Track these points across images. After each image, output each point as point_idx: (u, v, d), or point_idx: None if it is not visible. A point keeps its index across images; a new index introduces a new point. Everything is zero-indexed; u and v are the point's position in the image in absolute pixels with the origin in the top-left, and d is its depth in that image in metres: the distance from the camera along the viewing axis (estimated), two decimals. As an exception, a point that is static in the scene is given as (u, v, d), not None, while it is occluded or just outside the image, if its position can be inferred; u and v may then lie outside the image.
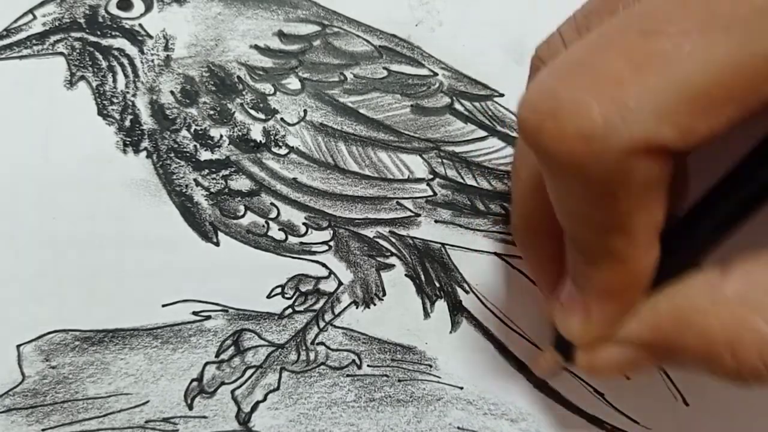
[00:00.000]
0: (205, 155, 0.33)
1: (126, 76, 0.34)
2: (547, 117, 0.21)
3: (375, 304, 0.33)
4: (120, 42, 0.34)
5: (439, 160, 0.34)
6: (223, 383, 0.32)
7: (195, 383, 0.32)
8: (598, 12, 0.26)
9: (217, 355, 0.33)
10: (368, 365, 0.33)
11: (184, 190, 0.33)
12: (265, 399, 0.32)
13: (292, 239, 0.33)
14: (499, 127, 0.34)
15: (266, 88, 0.34)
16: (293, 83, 0.34)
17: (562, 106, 0.20)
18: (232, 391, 0.32)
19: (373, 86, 0.34)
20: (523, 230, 0.30)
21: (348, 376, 0.33)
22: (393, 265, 0.34)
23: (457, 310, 0.34)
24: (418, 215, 0.34)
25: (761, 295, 0.22)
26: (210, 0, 0.34)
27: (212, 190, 0.33)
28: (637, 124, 0.20)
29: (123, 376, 0.32)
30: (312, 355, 0.33)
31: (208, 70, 0.34)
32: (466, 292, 0.34)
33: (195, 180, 0.33)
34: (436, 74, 0.35)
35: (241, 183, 0.33)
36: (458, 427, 0.33)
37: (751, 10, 0.19)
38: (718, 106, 0.20)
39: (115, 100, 0.34)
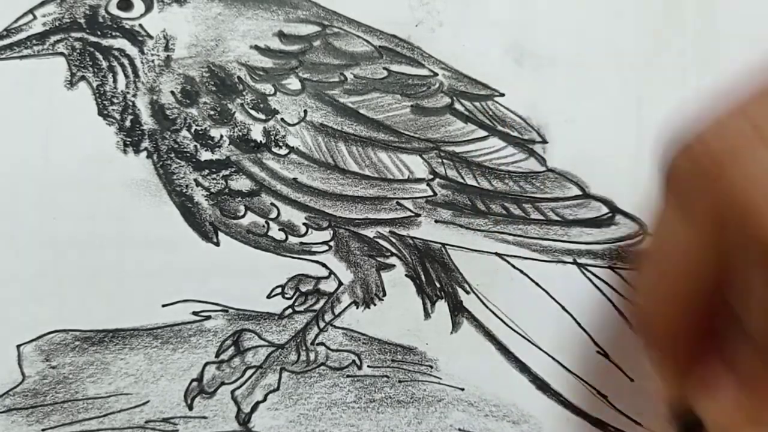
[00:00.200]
0: (205, 155, 0.33)
1: (126, 76, 0.34)
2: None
3: (375, 305, 0.33)
4: (120, 42, 0.34)
5: (439, 160, 0.34)
6: (223, 383, 0.32)
7: (195, 383, 0.32)
8: None
9: (217, 356, 0.33)
10: (368, 366, 0.33)
11: (184, 191, 0.33)
12: (265, 399, 0.32)
13: (293, 239, 0.33)
14: (499, 127, 0.34)
15: (266, 88, 0.34)
16: (293, 83, 0.34)
17: None
18: (232, 392, 0.32)
19: (373, 86, 0.34)
20: (665, 333, 0.26)
21: (348, 376, 0.33)
22: (393, 266, 0.33)
23: (457, 310, 0.33)
24: (419, 215, 0.34)
25: None
26: (210, 0, 0.34)
27: (212, 190, 0.33)
28: None
29: (123, 376, 0.32)
30: (312, 356, 0.33)
31: (208, 70, 0.34)
32: (467, 293, 0.34)
33: (195, 180, 0.33)
34: (436, 74, 0.35)
35: (242, 183, 0.33)
36: (459, 429, 0.33)
37: None
38: None
39: (115, 101, 0.34)
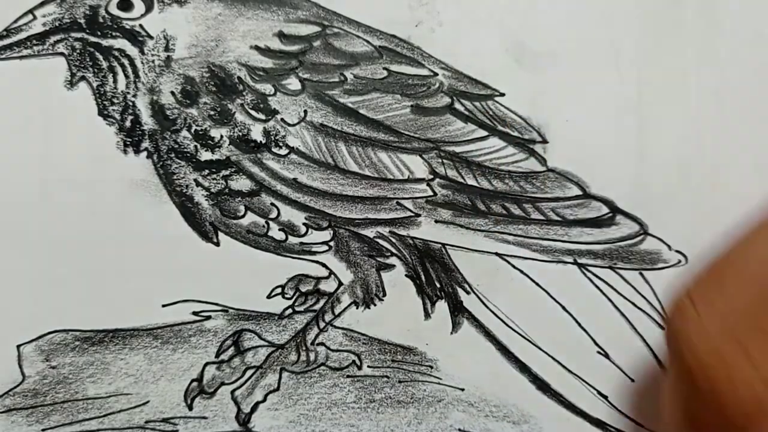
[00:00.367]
0: (205, 155, 0.33)
1: (126, 76, 0.34)
2: None
3: (375, 305, 0.33)
4: (120, 42, 0.34)
5: (439, 160, 0.34)
6: (223, 384, 0.32)
7: (195, 383, 0.32)
8: None
9: (217, 356, 0.33)
10: (368, 366, 0.33)
11: (184, 191, 0.33)
12: (265, 399, 0.32)
13: (293, 239, 0.33)
14: (499, 127, 0.34)
15: (266, 88, 0.34)
16: (293, 84, 0.34)
17: None
18: (232, 392, 0.32)
19: (373, 86, 0.34)
20: None
21: (348, 376, 0.33)
22: (393, 266, 0.33)
23: (457, 310, 0.33)
24: (418, 215, 0.34)
25: None
26: (210, 1, 0.34)
27: (212, 190, 0.33)
28: None
29: (123, 377, 0.32)
30: (312, 356, 0.33)
31: (208, 70, 0.34)
32: (467, 293, 0.33)
33: (195, 180, 0.33)
34: (436, 74, 0.35)
35: (242, 183, 0.33)
36: (459, 429, 0.33)
37: None
38: None
39: (115, 101, 0.34)
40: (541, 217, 0.34)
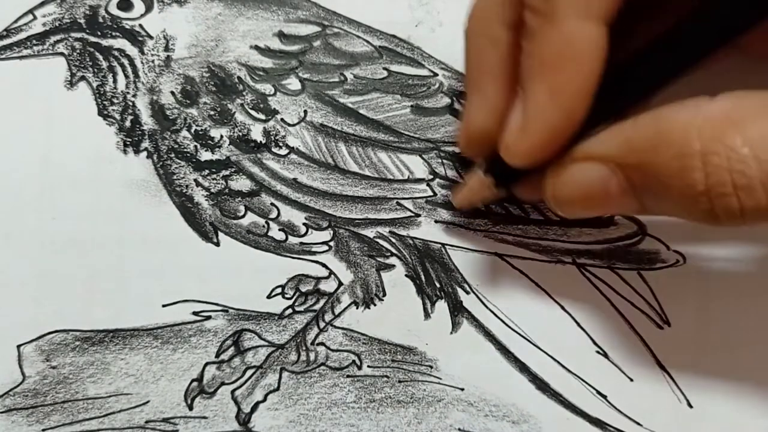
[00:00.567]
0: (205, 155, 0.33)
1: (126, 76, 0.34)
2: None
3: (375, 305, 0.33)
4: (120, 42, 0.34)
5: (439, 161, 0.34)
6: (223, 383, 0.32)
7: (195, 383, 0.32)
8: None
9: (217, 356, 0.33)
10: (368, 366, 0.33)
11: (184, 191, 0.33)
12: (265, 399, 0.32)
13: (293, 239, 0.33)
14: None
15: (266, 88, 0.34)
16: (293, 84, 0.34)
17: None
18: (232, 392, 0.32)
19: (373, 87, 0.34)
20: (479, 15, 0.29)
21: (348, 376, 0.33)
22: (393, 266, 0.33)
23: (457, 310, 0.33)
24: (418, 215, 0.34)
25: (745, 117, 0.22)
26: (210, 0, 0.34)
27: (212, 190, 0.33)
28: None
29: (123, 377, 0.32)
30: (312, 356, 0.33)
31: (208, 70, 0.34)
32: (467, 293, 0.34)
33: (195, 180, 0.33)
34: (436, 74, 0.35)
35: (242, 183, 0.33)
36: (459, 429, 0.33)
37: None
38: None
39: (115, 101, 0.34)
40: (540, 218, 0.34)
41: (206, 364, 0.33)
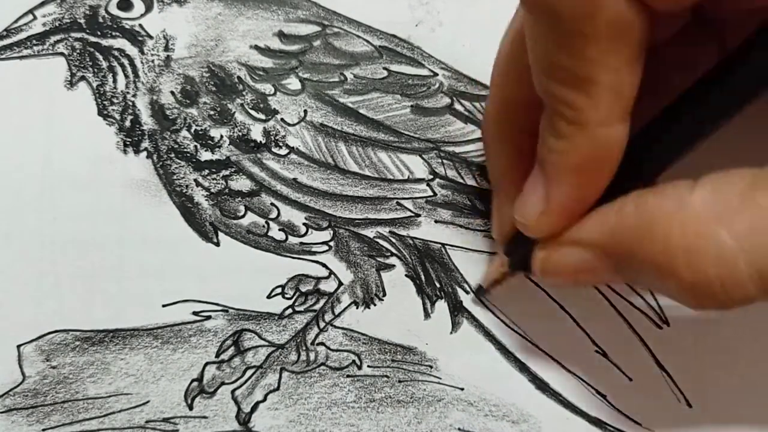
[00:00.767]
0: (205, 155, 0.33)
1: (126, 76, 0.34)
2: None
3: (375, 305, 0.33)
4: (120, 42, 0.34)
5: (439, 161, 0.34)
6: (223, 383, 0.32)
7: (195, 383, 0.32)
8: None
9: (217, 355, 0.33)
10: (368, 366, 0.33)
11: (184, 191, 0.33)
12: (265, 399, 0.32)
13: (293, 239, 0.33)
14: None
15: (266, 88, 0.34)
16: (293, 83, 0.34)
17: None
18: (233, 392, 0.32)
19: (373, 86, 0.34)
20: (495, 118, 0.29)
21: (348, 376, 0.33)
22: (393, 266, 0.33)
23: (457, 310, 0.33)
24: (418, 215, 0.34)
25: (728, 210, 0.22)
26: (210, 0, 0.34)
27: (212, 190, 0.33)
28: None
29: (123, 376, 0.32)
30: (312, 356, 0.33)
31: (208, 70, 0.34)
32: (467, 293, 0.34)
33: (195, 180, 0.33)
34: (436, 74, 0.35)
35: (242, 183, 0.33)
36: (459, 429, 0.33)
37: None
38: None
39: (115, 101, 0.34)
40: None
41: (206, 364, 0.33)
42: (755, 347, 0.33)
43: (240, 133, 0.33)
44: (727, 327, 0.33)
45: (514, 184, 0.28)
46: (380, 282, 0.33)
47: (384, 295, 0.33)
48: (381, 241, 0.33)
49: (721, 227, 0.22)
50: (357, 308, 0.33)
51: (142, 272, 0.33)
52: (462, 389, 0.33)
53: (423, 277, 0.33)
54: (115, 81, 0.34)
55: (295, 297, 0.33)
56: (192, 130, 0.33)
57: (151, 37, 0.34)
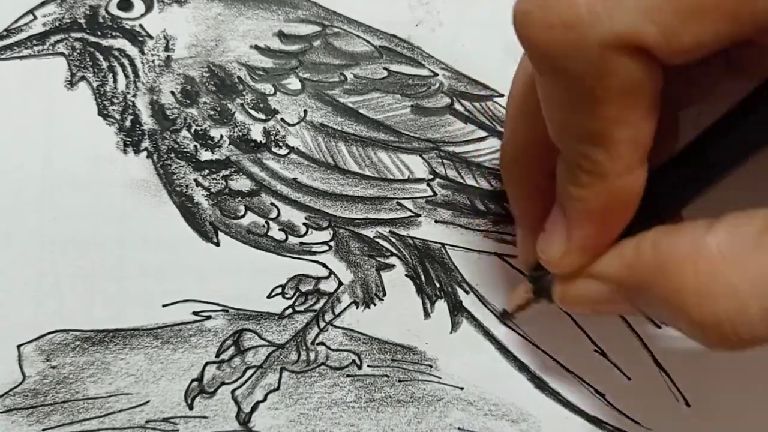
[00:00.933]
0: (205, 155, 0.33)
1: (126, 76, 0.34)
2: (535, 7, 0.21)
3: (375, 304, 0.33)
4: (120, 42, 0.34)
5: (439, 161, 0.34)
6: (223, 383, 0.33)
7: (195, 383, 0.32)
8: None
9: (217, 355, 0.33)
10: (368, 365, 0.33)
11: (184, 190, 0.33)
12: (265, 399, 0.32)
13: (293, 239, 0.33)
14: (499, 127, 0.34)
15: (266, 88, 0.34)
16: (293, 83, 0.34)
17: None
18: (233, 391, 0.32)
19: (373, 86, 0.34)
20: (513, 158, 0.30)
21: (348, 376, 0.33)
22: (393, 265, 0.34)
23: (457, 310, 0.33)
24: (418, 215, 0.34)
25: (741, 252, 0.22)
26: (210, 0, 0.34)
27: (212, 190, 0.33)
28: (620, 16, 0.20)
29: (123, 376, 0.32)
30: (312, 355, 0.33)
31: (208, 70, 0.34)
32: (466, 292, 0.34)
33: (195, 180, 0.33)
34: (436, 74, 0.35)
35: (242, 183, 0.33)
36: (459, 428, 0.33)
37: None
38: (706, 13, 0.20)
39: (115, 101, 0.34)
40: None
41: (206, 363, 0.33)
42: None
43: (240, 133, 0.33)
44: (726, 327, 0.33)
45: (536, 219, 0.28)
46: (380, 282, 0.33)
47: (384, 295, 0.33)
48: (381, 241, 0.33)
49: (733, 270, 0.22)
50: (357, 308, 0.33)
51: (142, 272, 0.33)
52: (462, 389, 0.33)
53: (423, 277, 0.34)
54: (115, 81, 0.34)
55: (295, 297, 0.33)
56: (192, 130, 0.33)
57: (151, 37, 0.34)
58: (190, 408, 0.32)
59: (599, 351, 0.33)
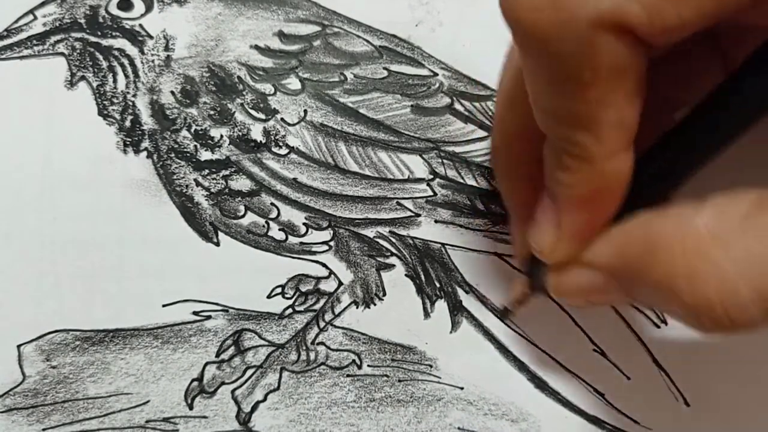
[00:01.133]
0: (205, 155, 0.33)
1: (126, 76, 0.34)
2: None
3: (375, 304, 0.33)
4: (120, 42, 0.34)
5: (439, 160, 0.34)
6: (223, 383, 0.33)
7: (195, 383, 0.32)
8: None
9: (217, 355, 0.33)
10: (368, 365, 0.33)
11: (184, 190, 0.33)
12: (265, 399, 0.32)
13: (293, 239, 0.33)
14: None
15: (266, 88, 0.34)
16: (293, 83, 0.34)
17: None
18: (233, 391, 0.32)
19: (373, 86, 0.34)
20: (502, 150, 0.30)
21: (348, 376, 0.33)
22: (393, 265, 0.34)
23: (457, 310, 0.34)
24: (418, 215, 0.34)
25: (729, 232, 0.22)
26: (210, 0, 0.34)
27: (212, 190, 0.33)
28: None
29: (123, 376, 0.32)
30: (312, 355, 0.33)
31: (208, 70, 0.34)
32: (466, 292, 0.34)
33: (195, 180, 0.33)
34: (436, 74, 0.35)
35: (242, 183, 0.33)
36: (459, 428, 0.33)
37: None
38: None
39: (115, 101, 0.34)
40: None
41: (206, 363, 0.33)
42: (753, 346, 0.34)
43: (240, 133, 0.33)
44: (725, 326, 0.33)
45: (528, 210, 0.28)
46: (380, 282, 0.33)
47: (384, 294, 0.33)
48: (381, 241, 0.34)
49: (721, 250, 0.22)
50: (357, 308, 0.33)
51: (142, 272, 0.33)
52: (461, 388, 0.33)
53: (423, 276, 0.34)
54: (115, 81, 0.34)
55: (295, 297, 0.33)
56: (192, 130, 0.33)
57: (151, 37, 0.34)
58: (190, 408, 0.32)
59: (599, 351, 0.33)
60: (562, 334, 0.33)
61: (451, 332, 0.33)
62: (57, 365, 0.32)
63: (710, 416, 0.33)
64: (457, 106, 0.34)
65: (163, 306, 0.33)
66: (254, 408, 0.32)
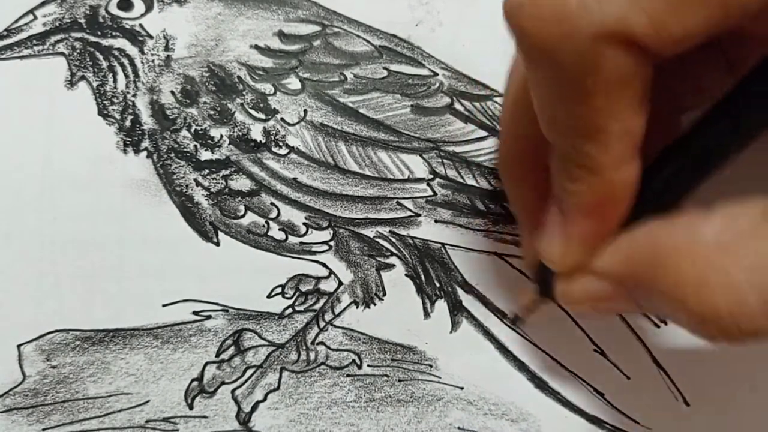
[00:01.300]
0: (205, 155, 0.33)
1: (126, 76, 0.34)
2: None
3: (375, 304, 0.33)
4: (120, 42, 0.34)
5: (439, 160, 0.34)
6: (223, 383, 0.33)
7: (195, 383, 0.32)
8: None
9: (217, 355, 0.33)
10: (368, 365, 0.33)
11: (184, 190, 0.33)
12: (265, 399, 0.32)
13: (293, 239, 0.33)
14: (499, 127, 0.34)
15: (266, 88, 0.34)
16: (293, 83, 0.34)
17: None
18: (233, 391, 0.32)
19: (373, 86, 0.34)
20: (509, 157, 0.30)
21: (348, 376, 0.33)
22: (393, 265, 0.34)
23: (457, 309, 0.34)
24: (418, 215, 0.34)
25: (738, 241, 0.22)
26: (210, 0, 0.34)
27: (212, 190, 0.33)
28: (609, 7, 0.20)
29: (123, 376, 0.32)
30: (312, 355, 0.33)
31: (208, 70, 0.34)
32: (466, 292, 0.34)
33: (195, 180, 0.33)
34: (436, 74, 0.35)
35: (242, 183, 0.33)
36: (459, 428, 0.33)
37: None
38: (695, 3, 0.20)
39: (115, 100, 0.34)
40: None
41: (206, 363, 0.33)
42: (753, 346, 0.33)
43: (240, 133, 0.33)
44: (725, 326, 0.33)
45: (536, 217, 0.28)
46: (380, 282, 0.33)
47: (384, 294, 0.33)
48: (381, 241, 0.34)
49: (730, 259, 0.22)
50: (357, 308, 0.33)
51: (142, 272, 0.33)
52: (461, 388, 0.33)
53: (423, 276, 0.34)
54: (115, 81, 0.34)
55: (295, 297, 0.33)
56: (192, 130, 0.33)
57: (151, 37, 0.34)
58: (190, 408, 0.32)
59: (599, 350, 0.33)
60: (562, 334, 0.33)
61: (451, 332, 0.33)
62: (57, 365, 0.32)
63: (710, 416, 0.33)
64: (457, 105, 0.34)
65: (163, 306, 0.33)
66: (254, 408, 0.32)
